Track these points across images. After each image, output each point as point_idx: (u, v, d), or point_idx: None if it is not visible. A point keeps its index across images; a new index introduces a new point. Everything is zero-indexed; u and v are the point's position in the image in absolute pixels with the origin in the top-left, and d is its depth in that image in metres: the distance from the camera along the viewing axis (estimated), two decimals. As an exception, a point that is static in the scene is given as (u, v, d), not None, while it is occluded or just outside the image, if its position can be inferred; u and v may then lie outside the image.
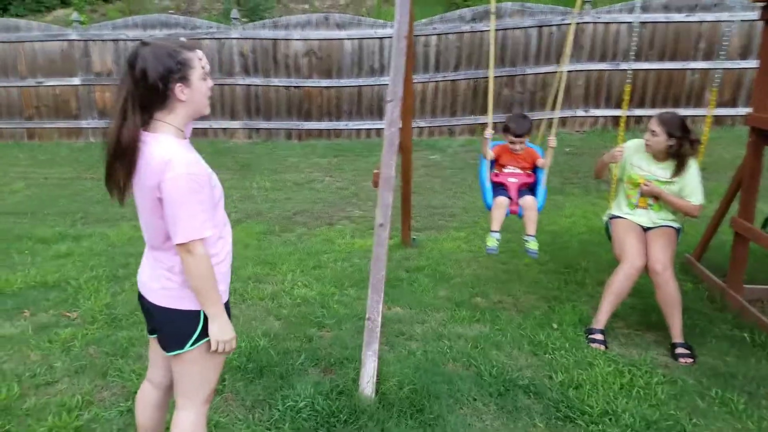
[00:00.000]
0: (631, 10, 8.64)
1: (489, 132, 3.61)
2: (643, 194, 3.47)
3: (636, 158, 3.54)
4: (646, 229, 3.53)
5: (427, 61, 9.22)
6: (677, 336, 3.23)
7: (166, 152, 1.68)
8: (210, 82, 1.82)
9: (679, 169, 3.36)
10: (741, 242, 3.83)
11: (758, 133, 3.67)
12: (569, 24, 8.78)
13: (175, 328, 1.83)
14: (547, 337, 3.32)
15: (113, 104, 1.73)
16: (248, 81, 9.52)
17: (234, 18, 9.38)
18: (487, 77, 9.08)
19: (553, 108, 3.60)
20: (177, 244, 1.70)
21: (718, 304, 3.84)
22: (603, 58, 8.96)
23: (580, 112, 9.18)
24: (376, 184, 2.74)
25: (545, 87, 9.16)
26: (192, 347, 1.82)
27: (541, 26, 8.92)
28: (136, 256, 4.69)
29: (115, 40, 9.57)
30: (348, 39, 9.20)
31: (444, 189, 7.08)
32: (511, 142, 3.63)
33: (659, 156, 3.43)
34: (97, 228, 5.59)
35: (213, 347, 1.83)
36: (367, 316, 2.57)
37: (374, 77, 9.32)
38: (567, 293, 4.00)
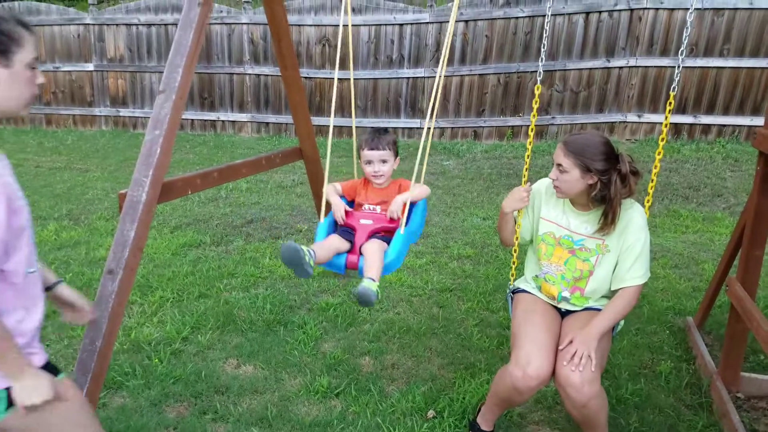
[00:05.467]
0: (702, -6, 7.29)
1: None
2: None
3: (547, 207, 2.39)
4: (563, 312, 2.41)
5: (451, 51, 8.33)
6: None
7: None
8: (40, 78, 1.43)
9: (609, 221, 2.18)
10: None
11: (768, 160, 2.59)
12: (623, 10, 7.59)
13: None
14: (407, 433, 2.49)
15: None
16: (257, 70, 9.09)
17: (245, 1, 8.98)
18: (521, 72, 8.11)
19: (431, 116, 2.41)
20: None
21: (701, 398, 2.81)
22: (665, 53, 7.64)
23: (632, 117, 7.91)
24: (122, 208, 2.05)
25: (591, 85, 7.98)
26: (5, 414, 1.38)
27: (588, 12, 7.76)
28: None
29: (128, 25, 9.49)
30: (364, 25, 8.50)
31: (438, 203, 6.22)
32: (367, 162, 2.52)
33: (580, 202, 2.29)
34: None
35: (23, 414, 1.40)
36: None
37: (392, 69, 8.56)
38: (493, 359, 3.11)
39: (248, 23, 8.97)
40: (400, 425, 2.55)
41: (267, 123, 9.38)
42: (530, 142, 2.55)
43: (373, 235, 2.43)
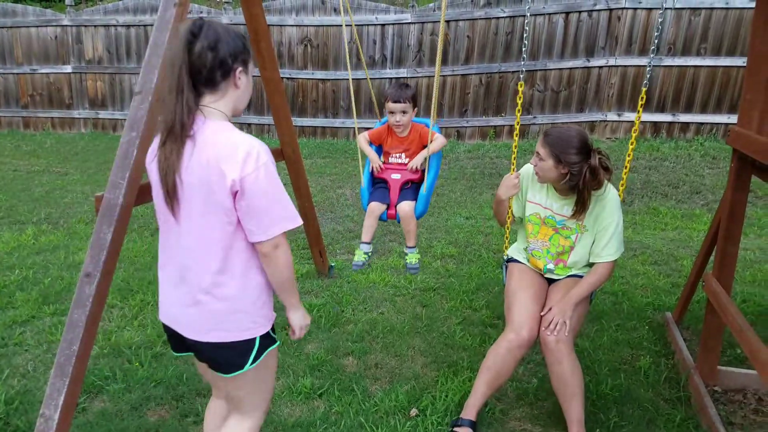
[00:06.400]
0: (679, -6, 7.39)
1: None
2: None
3: (533, 191, 2.66)
4: (550, 281, 2.69)
5: (433, 52, 8.36)
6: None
7: (241, 141, 1.53)
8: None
9: (580, 208, 2.44)
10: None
11: (742, 158, 2.64)
12: (602, 10, 7.67)
13: (231, 357, 1.70)
14: (389, 432, 2.50)
15: (165, 81, 1.54)
16: (238, 71, 9.03)
17: (226, 2, 8.94)
18: (503, 72, 8.17)
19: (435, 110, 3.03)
20: (266, 241, 1.58)
21: (679, 392, 2.85)
22: (643, 52, 7.75)
23: (612, 116, 8.01)
24: (98, 211, 2.04)
25: (571, 84, 8.06)
26: (252, 365, 1.71)
27: (568, 12, 7.84)
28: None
29: (106, 26, 9.39)
30: (346, 25, 8.50)
31: (421, 202, 6.23)
32: (390, 112, 3.03)
33: (560, 188, 2.52)
34: None
35: (297, 335, 1.83)
36: (41, 411, 1.86)
37: (374, 69, 8.58)
38: (476, 357, 3.13)
39: (229, 24, 8.91)
40: (383, 424, 2.56)
41: (249, 124, 9.33)
42: (516, 134, 2.76)
43: (402, 187, 3.10)
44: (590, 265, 2.60)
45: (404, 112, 3.02)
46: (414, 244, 3.14)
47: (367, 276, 4.24)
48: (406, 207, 3.03)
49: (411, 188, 3.13)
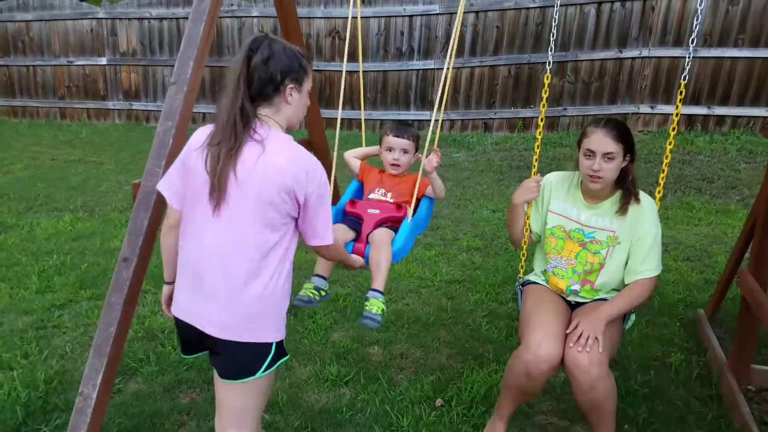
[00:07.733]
0: (716, -17, 7.17)
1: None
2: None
3: (557, 200, 2.37)
4: (573, 305, 2.36)
5: (461, 42, 8.29)
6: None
7: (304, 156, 1.67)
8: (308, 102, 1.81)
9: (630, 200, 2.21)
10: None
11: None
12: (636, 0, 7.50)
13: (250, 359, 1.72)
14: (415, 421, 2.50)
15: (224, 85, 1.69)
16: (268, 63, 9.09)
17: (256, -6, 9.00)
18: (533, 63, 8.07)
19: (440, 108, 2.33)
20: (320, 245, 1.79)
21: (711, 390, 2.80)
22: (678, 43, 7.55)
23: (645, 109, 7.83)
24: (135, 198, 2.08)
25: (603, 76, 7.91)
26: (264, 373, 1.73)
27: (600, 2, 7.67)
28: (39, 254, 4.38)
29: (140, 19, 9.53)
30: (374, 17, 8.49)
31: (448, 195, 6.21)
32: (388, 149, 2.53)
33: (595, 195, 2.28)
34: (38, 217, 5.37)
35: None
36: (80, 389, 1.92)
37: (401, 61, 8.55)
38: (501, 350, 3.12)
39: (259, 16, 8.98)
40: (408, 413, 2.57)
41: (278, 116, 9.40)
42: (540, 132, 2.49)
43: (380, 224, 2.39)
44: (619, 289, 2.30)
45: (405, 152, 2.52)
46: (381, 286, 2.21)
47: (392, 267, 4.23)
48: (383, 233, 2.31)
49: (390, 227, 2.40)
